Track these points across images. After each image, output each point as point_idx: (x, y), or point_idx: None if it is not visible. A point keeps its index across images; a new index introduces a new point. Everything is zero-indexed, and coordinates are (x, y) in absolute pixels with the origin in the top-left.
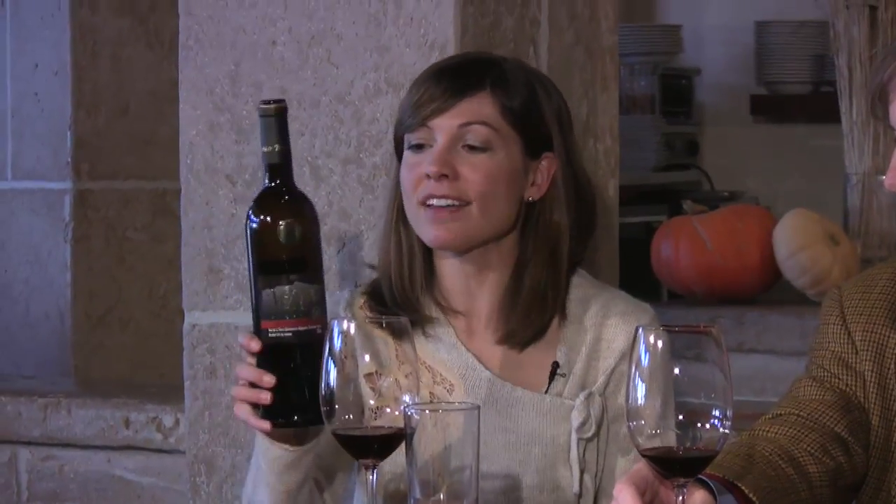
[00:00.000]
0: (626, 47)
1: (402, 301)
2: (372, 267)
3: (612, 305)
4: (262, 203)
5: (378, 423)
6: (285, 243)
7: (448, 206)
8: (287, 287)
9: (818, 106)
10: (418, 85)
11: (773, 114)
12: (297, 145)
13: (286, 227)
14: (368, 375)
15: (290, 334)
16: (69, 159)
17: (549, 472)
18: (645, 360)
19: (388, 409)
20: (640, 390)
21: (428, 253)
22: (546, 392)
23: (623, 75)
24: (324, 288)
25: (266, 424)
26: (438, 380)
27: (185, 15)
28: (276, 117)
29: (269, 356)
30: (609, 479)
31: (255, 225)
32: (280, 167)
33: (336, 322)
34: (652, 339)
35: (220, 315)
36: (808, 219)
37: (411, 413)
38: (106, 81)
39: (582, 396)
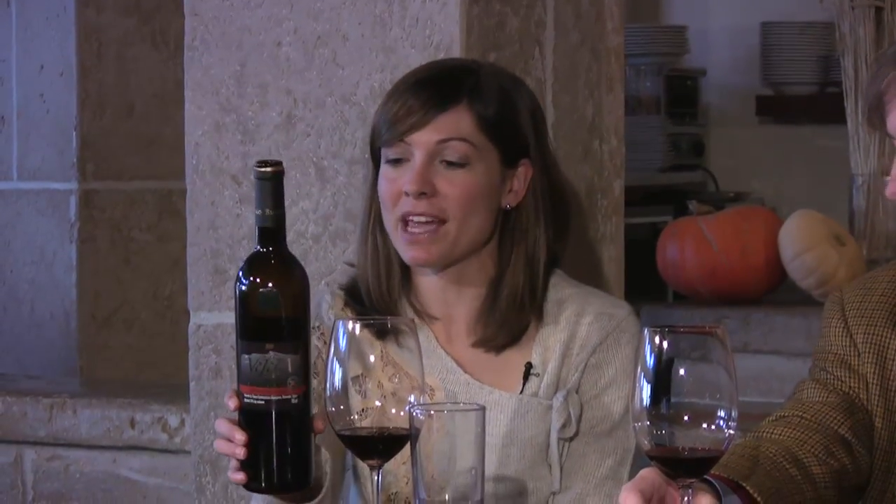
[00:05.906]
0: (631, 48)
1: (378, 305)
2: (352, 265)
3: (588, 304)
4: (249, 267)
5: (364, 424)
6: (265, 312)
7: (426, 222)
8: (263, 356)
9: (824, 107)
10: (395, 97)
11: (778, 115)
12: (303, 146)
13: (267, 296)
14: (355, 378)
15: (262, 402)
16: (75, 160)
17: (528, 472)
18: (650, 362)
19: (372, 410)
20: (646, 391)
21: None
22: (521, 393)
23: (629, 76)
24: (306, 356)
25: (242, 477)
26: (417, 384)
27: (190, 15)
28: (273, 181)
29: (244, 418)
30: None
31: (240, 288)
32: (272, 232)
33: (341, 323)
34: (657, 340)
35: (225, 315)
36: (814, 220)
37: (416, 414)
38: (111, 82)
39: (560, 397)
